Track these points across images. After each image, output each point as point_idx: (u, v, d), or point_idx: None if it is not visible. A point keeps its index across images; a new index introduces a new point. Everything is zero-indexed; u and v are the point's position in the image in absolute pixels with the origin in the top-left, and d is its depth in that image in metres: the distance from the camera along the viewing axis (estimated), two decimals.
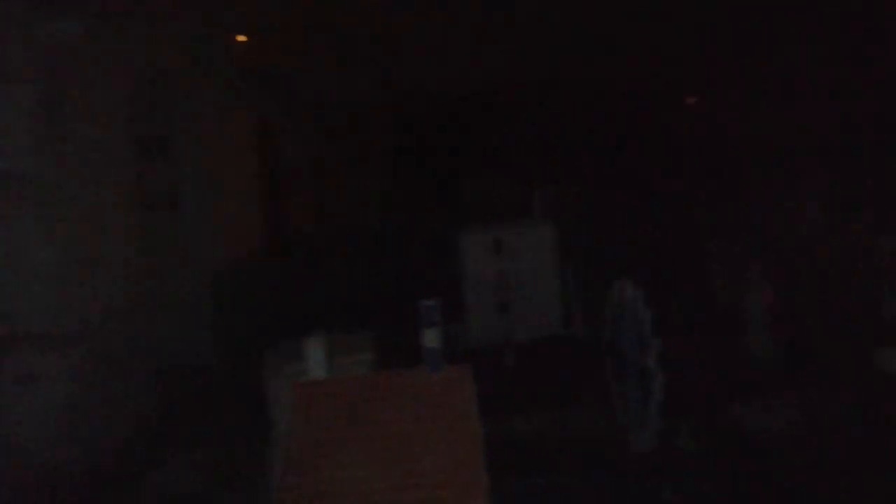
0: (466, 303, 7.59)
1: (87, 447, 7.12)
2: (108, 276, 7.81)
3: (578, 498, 5.25)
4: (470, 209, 13.54)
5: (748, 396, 5.54)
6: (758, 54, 13.45)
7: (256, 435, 6.18)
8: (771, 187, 10.40)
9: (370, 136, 18.37)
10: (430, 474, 3.40)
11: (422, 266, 10.65)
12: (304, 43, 12.70)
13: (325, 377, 4.74)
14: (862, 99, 11.65)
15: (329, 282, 10.29)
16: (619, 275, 5.36)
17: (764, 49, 13.15)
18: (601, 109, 16.68)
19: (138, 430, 7.24)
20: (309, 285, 10.30)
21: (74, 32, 7.59)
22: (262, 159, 12.51)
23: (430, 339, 3.60)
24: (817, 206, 8.66)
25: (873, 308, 6.65)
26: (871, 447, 4.78)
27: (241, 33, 11.17)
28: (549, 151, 16.93)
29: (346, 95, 15.98)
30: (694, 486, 4.79)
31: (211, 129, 9.88)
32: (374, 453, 3.46)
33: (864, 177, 10.29)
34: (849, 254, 7.85)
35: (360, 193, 17.20)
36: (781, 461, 4.78)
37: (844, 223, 8.05)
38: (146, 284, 8.28)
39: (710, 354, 6.18)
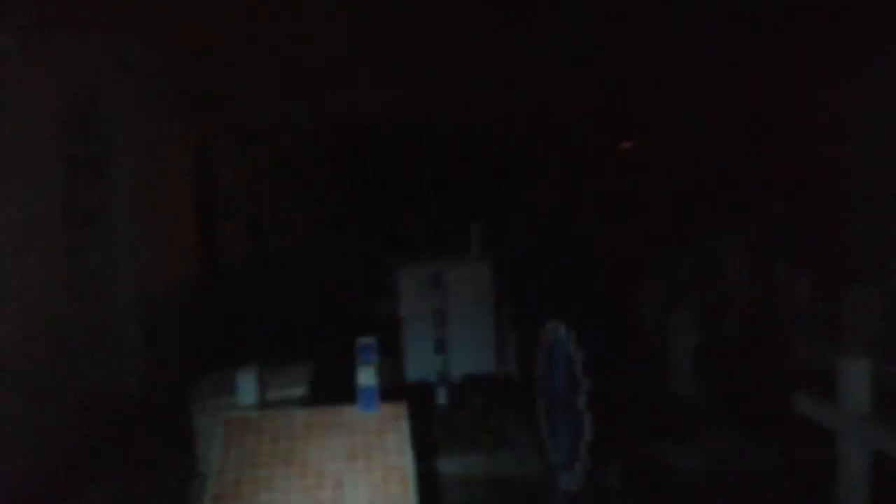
0: (403, 338, 7.59)
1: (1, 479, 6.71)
2: (29, 299, 7.48)
3: None
4: (409, 243, 13.66)
5: (673, 436, 5.74)
6: (687, 100, 14.14)
7: (181, 468, 5.98)
8: (698, 231, 10.94)
9: (311, 164, 18.21)
10: None
11: (358, 299, 10.63)
12: (245, 66, 12.62)
13: (256, 411, 4.65)
14: (785, 145, 12.46)
15: (263, 311, 10.12)
16: (551, 315, 5.50)
17: (693, 94, 13.84)
18: (538, 149, 17.19)
19: (57, 460, 6.89)
20: (242, 314, 10.09)
21: (4, 46, 7.33)
22: (199, 183, 12.27)
23: (366, 377, 3.59)
24: (742, 250, 9.14)
25: (790, 351, 7.03)
26: (788, 488, 5.02)
27: (180, 54, 11.03)
28: (487, 188, 17.33)
29: (287, 121, 15.89)
30: None
31: (146, 151, 9.64)
32: (303, 491, 3.41)
33: (785, 222, 11.03)
34: (770, 298, 8.29)
35: (298, 222, 16.99)
36: (703, 500, 4.97)
37: (766, 268, 8.50)
38: (70, 308, 7.95)
39: (639, 395, 6.39)
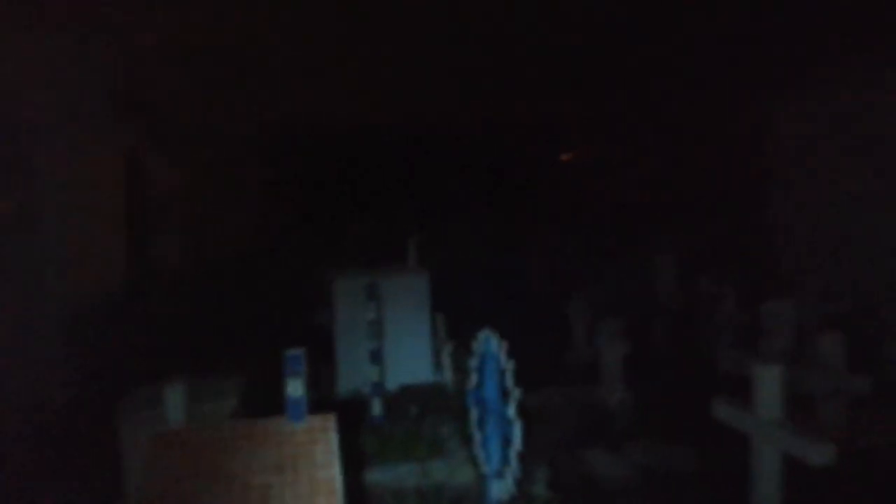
0: (338, 349, 7.55)
1: None
2: None
3: None
4: (346, 253, 13.58)
5: (601, 444, 5.88)
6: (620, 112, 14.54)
7: (107, 485, 5.77)
8: (629, 242, 11.29)
9: (246, 173, 17.82)
10: None
11: (293, 310, 10.50)
12: (180, 70, 12.32)
13: (183, 426, 4.55)
14: (714, 159, 12.99)
15: (194, 323, 9.88)
16: (483, 325, 5.57)
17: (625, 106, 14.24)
18: (476, 161, 17.31)
19: None
20: (172, 326, 9.82)
21: None
22: (129, 191, 11.90)
23: (294, 388, 3.57)
24: (670, 260, 9.47)
25: (714, 360, 7.30)
26: (709, 491, 5.21)
27: (112, 57, 10.69)
28: (424, 199, 17.35)
29: (228, 127, 15.55)
30: None
31: (74, 158, 9.32)
32: None
33: (712, 233, 11.53)
34: (695, 308, 8.60)
35: (232, 232, 16.61)
36: None
37: (693, 278, 8.82)
38: None
39: (567, 404, 6.52)
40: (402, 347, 7.48)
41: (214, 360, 7.25)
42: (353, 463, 5.42)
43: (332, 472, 3.52)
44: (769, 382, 4.19)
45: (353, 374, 7.31)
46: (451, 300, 8.45)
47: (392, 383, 7.31)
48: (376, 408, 6.52)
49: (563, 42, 10.78)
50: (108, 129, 10.83)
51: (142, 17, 9.53)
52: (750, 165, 11.62)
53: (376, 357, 6.72)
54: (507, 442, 4.95)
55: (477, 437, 5.41)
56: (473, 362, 5.68)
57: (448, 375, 6.97)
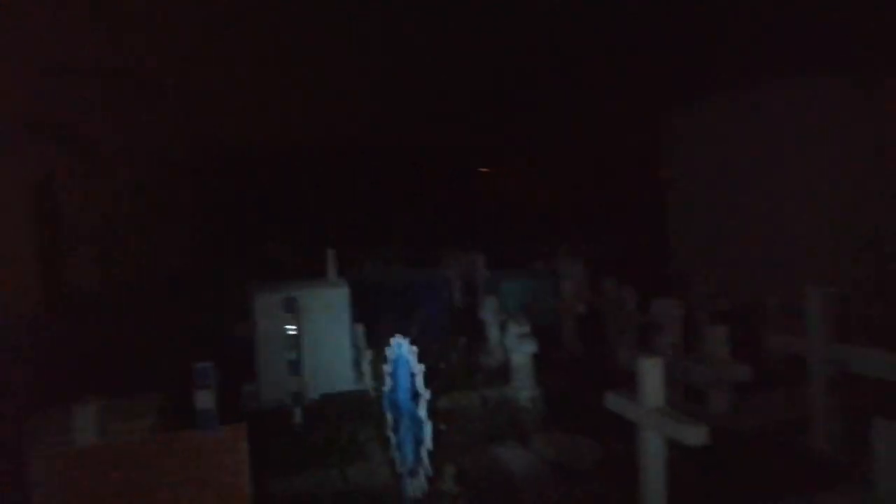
0: (259, 361, 7.66)
1: None
2: None
3: None
4: (264, 268, 13.59)
5: (511, 440, 6.22)
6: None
7: None
8: (536, 247, 11.82)
9: (162, 191, 17.52)
10: None
11: (215, 326, 10.48)
12: (97, 89, 12.11)
13: (89, 444, 4.59)
14: (618, 168, 13.74)
15: (111, 342, 9.73)
16: (395, 332, 5.82)
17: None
18: (391, 174, 17.55)
19: None
20: (89, 346, 9.64)
21: None
22: (44, 211, 11.61)
23: (203, 400, 3.72)
24: (578, 265, 9.99)
25: (614, 357, 7.78)
26: (609, 480, 5.61)
27: (29, 76, 10.43)
28: (342, 213, 17.49)
29: (148, 148, 15.29)
30: None
31: None
32: None
33: (616, 237, 12.22)
34: (600, 309, 9.09)
35: (149, 250, 16.28)
36: (534, 499, 5.45)
37: (598, 281, 9.33)
38: None
39: (481, 404, 6.85)
40: (322, 358, 7.66)
41: (133, 378, 7.22)
42: (272, 471, 5.57)
43: (241, 482, 3.66)
44: (651, 373, 4.58)
45: (274, 386, 7.43)
46: (371, 311, 8.66)
47: (314, 393, 7.46)
48: (297, 416, 6.67)
49: (476, 62, 11.26)
50: (21, 152, 10.55)
51: (60, 39, 9.39)
52: (648, 173, 12.37)
53: (296, 368, 6.87)
54: (418, 441, 5.20)
55: (392, 438, 5.64)
56: (387, 368, 5.91)
57: (369, 383, 7.18)
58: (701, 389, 6.65)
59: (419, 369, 5.25)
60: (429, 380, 5.31)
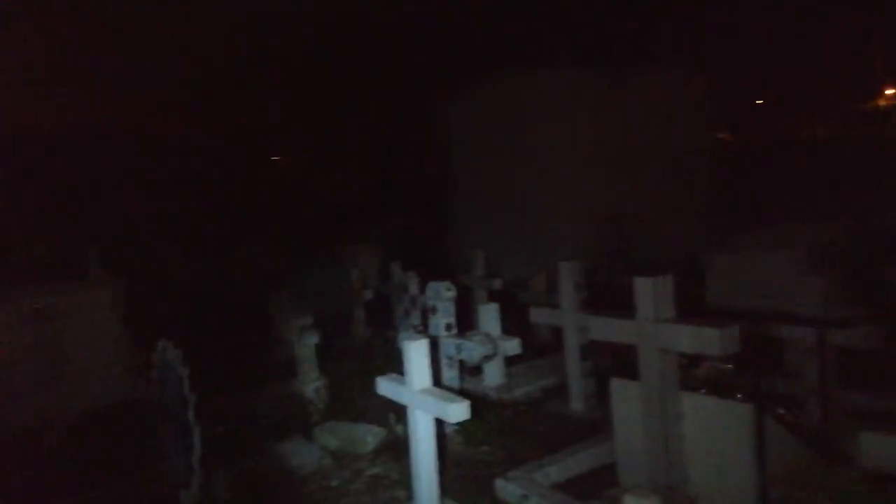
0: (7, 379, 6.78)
1: None
2: None
3: None
4: (19, 272, 12.01)
5: (295, 436, 6.15)
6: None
7: None
8: (329, 239, 11.80)
9: None
10: None
11: None
12: None
13: None
14: (405, 160, 14.13)
15: None
16: (162, 334, 5.48)
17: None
18: (169, 165, 16.38)
19: None
20: None
21: None
22: None
23: None
24: (367, 252, 10.13)
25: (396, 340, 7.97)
26: (394, 463, 5.75)
27: None
28: (115, 207, 15.95)
29: None
30: None
31: None
32: None
33: (403, 226, 12.63)
34: (388, 294, 9.27)
35: None
36: (315, 490, 5.46)
37: (386, 268, 9.52)
38: None
39: (267, 400, 6.71)
40: (84, 368, 6.98)
41: None
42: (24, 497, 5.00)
43: None
44: (416, 354, 4.76)
45: (20, 406, 6.62)
46: (150, 310, 8.07)
47: (75, 407, 6.79)
48: (51, 438, 6.04)
49: (255, 51, 10.91)
50: None
51: None
52: (434, 164, 12.89)
53: (49, 383, 6.21)
54: (188, 448, 4.95)
55: (164, 446, 5.32)
56: (155, 373, 5.56)
57: (141, 389, 6.69)
58: (478, 365, 7.06)
59: (185, 372, 5.00)
60: (206, 381, 5.08)
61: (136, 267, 9.27)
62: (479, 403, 6.64)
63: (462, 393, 6.64)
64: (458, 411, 4.54)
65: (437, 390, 4.80)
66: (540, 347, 8.44)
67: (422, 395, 4.76)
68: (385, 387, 5.19)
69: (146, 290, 8.15)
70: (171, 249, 12.10)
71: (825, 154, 19.99)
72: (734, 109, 21.86)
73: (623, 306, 4.74)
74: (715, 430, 4.35)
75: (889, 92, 26.44)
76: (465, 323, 7.31)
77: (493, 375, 7.05)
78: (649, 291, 4.44)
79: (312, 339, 6.86)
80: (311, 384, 6.86)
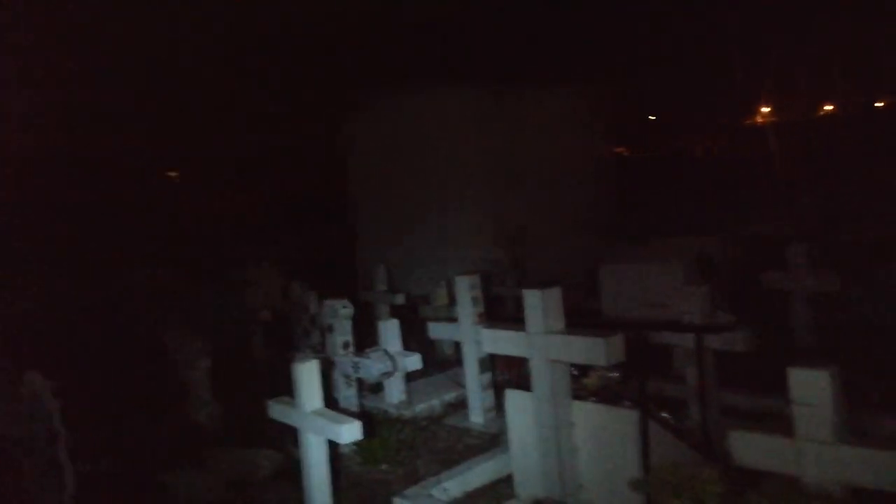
0: None
1: None
2: None
3: None
4: None
5: (186, 463, 5.85)
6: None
7: None
8: (228, 259, 11.42)
9: None
10: None
11: None
12: None
13: None
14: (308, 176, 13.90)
15: None
16: (34, 363, 5.12)
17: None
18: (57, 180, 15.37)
19: None
20: None
21: None
22: None
23: None
24: (267, 272, 9.84)
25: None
26: (290, 490, 5.55)
27: None
28: None
29: None
30: None
31: None
32: None
33: (305, 244, 12.45)
34: (287, 314, 9.03)
35: None
36: None
37: (286, 287, 9.27)
38: None
39: (156, 431, 6.36)
40: None
41: None
42: None
43: None
44: (307, 376, 4.66)
45: None
46: (24, 335, 7.50)
47: None
48: None
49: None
50: None
51: None
52: (339, 180, 12.79)
53: None
54: (61, 486, 4.63)
55: (28, 486, 4.94)
56: (25, 407, 5.19)
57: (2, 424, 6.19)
58: (378, 382, 6.98)
59: (56, 406, 4.68)
60: (89, 411, 4.78)
61: (11, 288, 8.62)
62: (379, 421, 6.57)
63: (362, 411, 6.58)
64: (350, 432, 4.47)
65: (328, 411, 4.71)
66: (442, 361, 8.45)
67: (313, 418, 4.65)
68: (276, 410, 5.05)
69: (22, 314, 7.57)
70: (54, 270, 11.30)
71: (712, 169, 21.31)
72: (629, 124, 22.94)
73: (519, 319, 4.80)
74: (604, 437, 4.47)
75: (764, 109, 28.53)
76: (369, 339, 7.21)
77: (394, 392, 7.00)
78: (538, 303, 4.53)
79: (204, 363, 6.60)
80: (204, 409, 6.58)
